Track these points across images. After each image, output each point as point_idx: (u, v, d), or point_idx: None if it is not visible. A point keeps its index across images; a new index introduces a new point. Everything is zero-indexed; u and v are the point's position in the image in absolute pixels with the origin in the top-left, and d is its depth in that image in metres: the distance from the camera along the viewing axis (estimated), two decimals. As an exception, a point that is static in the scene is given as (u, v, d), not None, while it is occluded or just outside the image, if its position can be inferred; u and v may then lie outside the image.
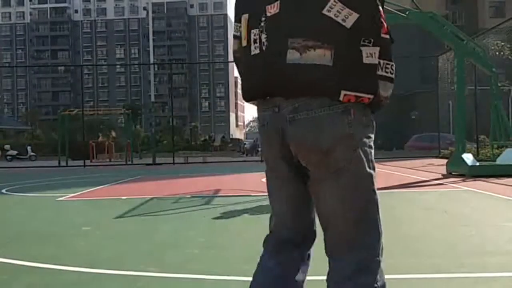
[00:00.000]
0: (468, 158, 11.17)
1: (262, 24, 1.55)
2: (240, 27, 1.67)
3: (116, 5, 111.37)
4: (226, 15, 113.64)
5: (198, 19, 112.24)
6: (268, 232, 1.77)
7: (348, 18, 1.47)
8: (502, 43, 15.42)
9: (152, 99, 28.30)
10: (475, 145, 16.47)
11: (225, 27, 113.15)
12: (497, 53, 15.34)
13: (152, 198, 8.18)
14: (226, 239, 4.75)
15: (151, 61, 30.41)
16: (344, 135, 1.51)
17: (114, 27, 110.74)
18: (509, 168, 10.54)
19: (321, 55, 1.47)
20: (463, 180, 10.00)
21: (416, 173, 12.40)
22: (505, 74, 16.86)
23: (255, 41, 1.58)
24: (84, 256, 4.08)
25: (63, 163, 23.69)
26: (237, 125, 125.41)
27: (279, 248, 1.68)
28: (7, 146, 35.37)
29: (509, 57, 15.69)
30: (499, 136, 12.14)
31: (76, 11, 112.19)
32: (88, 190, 10.08)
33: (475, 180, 9.84)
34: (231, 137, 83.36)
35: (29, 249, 4.47)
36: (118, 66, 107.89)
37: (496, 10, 42.97)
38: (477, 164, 11.33)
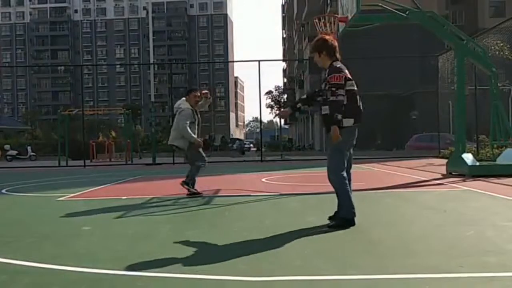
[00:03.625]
0: (468, 158, 11.15)
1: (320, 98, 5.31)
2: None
3: (116, 5, 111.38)
4: (226, 15, 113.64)
5: (198, 19, 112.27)
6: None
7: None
8: (502, 43, 15.37)
9: (152, 99, 28.29)
10: (475, 145, 16.45)
11: (225, 27, 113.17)
12: (497, 53, 15.29)
13: (152, 198, 8.18)
14: (226, 239, 4.75)
15: (151, 61, 30.37)
16: None
17: (114, 27, 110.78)
18: (509, 168, 10.54)
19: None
20: (463, 180, 10.00)
21: (416, 173, 12.40)
22: (505, 74, 16.81)
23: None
24: (84, 256, 4.08)
25: (63, 163, 23.67)
26: (237, 125, 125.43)
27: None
28: (7, 146, 35.37)
29: (509, 57, 15.64)
30: (499, 136, 12.12)
31: (76, 11, 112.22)
32: (88, 190, 10.07)
33: (475, 180, 9.83)
34: (231, 137, 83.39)
35: (29, 249, 4.48)
36: (118, 66, 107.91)
37: (496, 10, 42.99)
38: (477, 164, 11.32)
